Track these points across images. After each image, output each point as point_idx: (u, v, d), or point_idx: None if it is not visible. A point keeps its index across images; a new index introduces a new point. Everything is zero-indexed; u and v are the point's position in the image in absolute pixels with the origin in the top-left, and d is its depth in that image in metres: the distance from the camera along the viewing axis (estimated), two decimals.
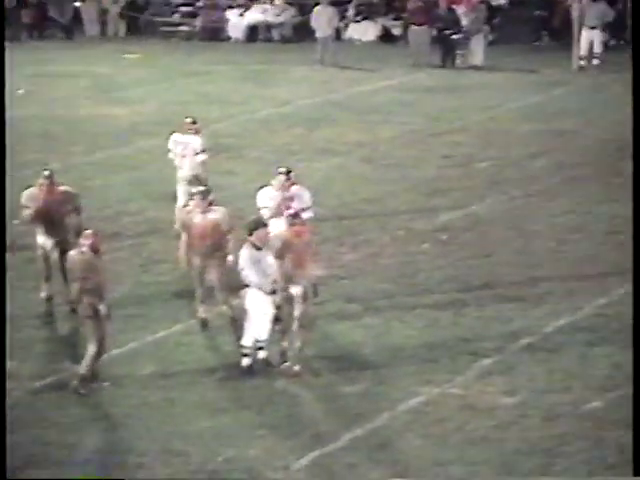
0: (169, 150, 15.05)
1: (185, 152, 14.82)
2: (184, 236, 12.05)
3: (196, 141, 14.89)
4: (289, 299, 11.12)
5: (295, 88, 23.63)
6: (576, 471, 9.26)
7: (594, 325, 11.94)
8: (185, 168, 14.82)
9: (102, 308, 10.70)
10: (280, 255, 11.07)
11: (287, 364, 11.18)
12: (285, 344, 11.19)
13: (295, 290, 11.14)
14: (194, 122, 15.05)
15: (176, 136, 15.08)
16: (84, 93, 23.24)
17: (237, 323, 11.44)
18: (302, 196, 12.77)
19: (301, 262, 11.12)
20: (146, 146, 19.22)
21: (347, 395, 10.71)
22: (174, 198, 15.08)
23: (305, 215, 12.75)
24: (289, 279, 11.14)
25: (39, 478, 8.66)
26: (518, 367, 11.09)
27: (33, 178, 12.75)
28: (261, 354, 11.10)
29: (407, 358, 11.39)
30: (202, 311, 12.16)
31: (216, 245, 11.93)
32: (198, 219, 12.02)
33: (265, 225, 11.47)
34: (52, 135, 19.95)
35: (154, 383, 11.00)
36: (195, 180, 14.47)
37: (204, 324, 12.13)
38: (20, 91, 22.95)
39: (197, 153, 14.82)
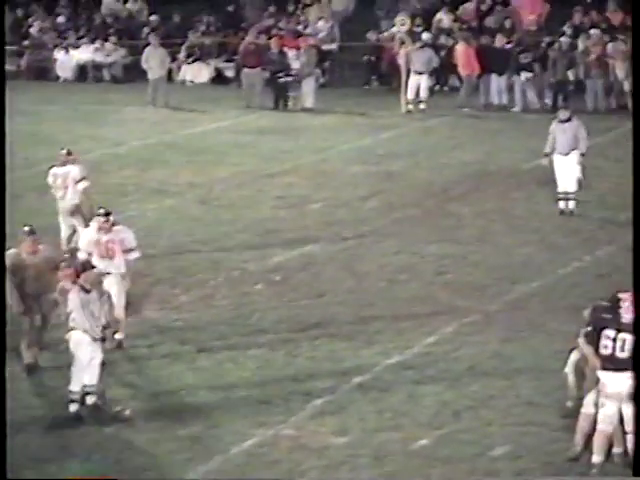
0: (50, 185, 15.33)
1: (67, 182, 15.13)
2: (12, 278, 11.79)
3: (75, 170, 15.19)
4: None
5: (127, 129, 23.40)
6: None
7: (422, 364, 12.12)
8: (67, 198, 15.11)
9: None
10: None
11: (118, 409, 10.98)
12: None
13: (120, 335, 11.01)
14: (69, 153, 15.36)
15: (54, 169, 15.36)
16: None
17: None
18: (125, 237, 12.70)
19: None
20: None
21: (180, 439, 10.58)
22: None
23: (131, 256, 12.68)
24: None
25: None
26: (350, 406, 11.16)
27: None
28: (90, 399, 10.89)
29: (241, 400, 11.34)
30: (29, 356, 11.88)
31: (47, 285, 11.75)
32: (29, 259, 11.80)
33: (93, 267, 11.32)
34: None
35: None
36: (77, 209, 14.97)
37: (30, 369, 11.83)
38: None
39: (77, 181, 15.10)
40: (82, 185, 15.17)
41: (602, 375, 9.78)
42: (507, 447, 10.21)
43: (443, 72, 26.86)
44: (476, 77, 25.30)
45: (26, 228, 12.29)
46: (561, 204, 17.37)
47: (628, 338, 9.64)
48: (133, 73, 27.92)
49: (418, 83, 25.06)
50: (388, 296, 14.15)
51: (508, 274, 14.65)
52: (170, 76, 27.52)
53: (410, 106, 24.90)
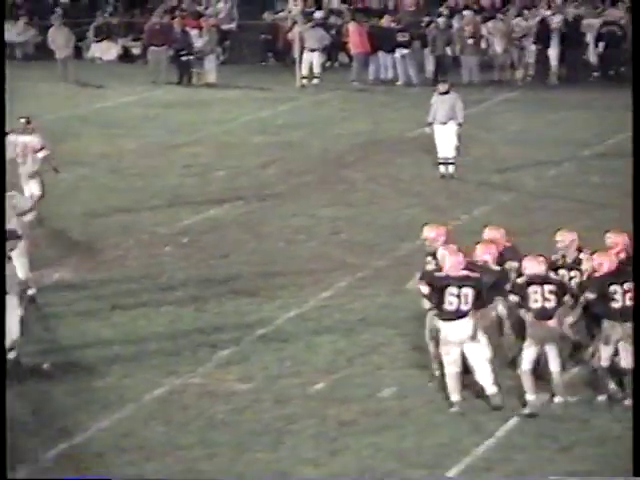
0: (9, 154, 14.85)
1: (26, 151, 14.87)
2: None
3: (34, 140, 14.94)
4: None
5: (40, 103, 22.94)
6: (305, 446, 9.42)
7: (319, 316, 12.19)
8: (27, 165, 14.92)
9: None
10: None
11: (36, 362, 10.84)
12: None
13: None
14: (29, 122, 15.06)
15: (13, 137, 14.88)
16: None
17: None
18: (21, 200, 12.62)
19: None
20: None
21: (95, 389, 10.49)
22: None
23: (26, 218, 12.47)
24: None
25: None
26: (253, 356, 11.18)
27: None
28: (11, 354, 10.73)
29: (152, 352, 11.27)
30: None
31: None
32: None
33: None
34: None
35: None
36: (34, 175, 14.87)
37: None
38: None
39: (37, 150, 14.91)
40: (42, 154, 14.96)
41: (445, 326, 9.88)
42: (394, 388, 10.35)
43: (334, 49, 26.89)
44: (366, 54, 25.37)
45: None
46: (441, 168, 17.57)
47: (470, 292, 9.83)
48: (44, 51, 27.36)
49: (311, 60, 25.06)
50: (288, 255, 14.18)
51: (396, 233, 14.79)
52: (80, 54, 27.06)
53: (304, 81, 24.89)
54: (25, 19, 28.44)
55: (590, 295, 9.88)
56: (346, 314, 12.18)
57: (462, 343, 9.88)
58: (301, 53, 24.95)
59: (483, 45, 25.38)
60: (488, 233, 10.80)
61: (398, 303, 12.22)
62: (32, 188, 14.89)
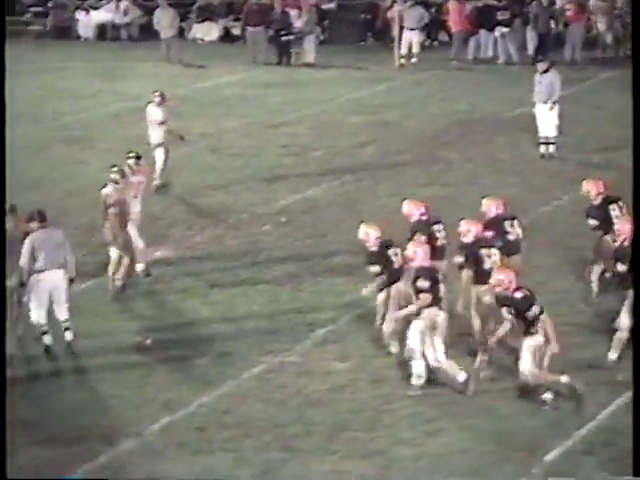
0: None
1: (152, 122, 15.87)
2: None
3: (159, 113, 15.76)
4: None
5: (143, 83, 23.22)
6: (401, 426, 9.42)
7: None
8: (152, 137, 15.83)
9: None
10: None
11: (139, 338, 11.05)
12: None
13: None
14: (162, 96, 16.00)
15: (149, 108, 15.99)
16: None
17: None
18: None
19: None
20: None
21: (196, 366, 10.65)
22: (29, 186, 14.89)
23: None
24: None
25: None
26: (350, 336, 11.21)
27: None
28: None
29: (251, 330, 11.39)
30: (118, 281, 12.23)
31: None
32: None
33: None
34: None
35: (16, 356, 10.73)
36: (159, 146, 15.75)
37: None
38: None
39: (160, 123, 15.74)
40: (164, 127, 15.70)
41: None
42: (491, 370, 10.25)
43: (433, 28, 26.66)
44: (465, 32, 25.10)
45: (116, 169, 12.40)
46: (542, 148, 17.33)
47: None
48: (148, 32, 27.70)
49: (410, 39, 24.89)
50: (385, 235, 14.12)
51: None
52: (182, 34, 27.32)
53: (403, 60, 24.73)
54: (130, 1, 28.82)
55: None
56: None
57: None
58: (400, 32, 24.78)
59: (587, 22, 24.91)
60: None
61: None
62: (157, 157, 15.73)
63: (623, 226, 10.54)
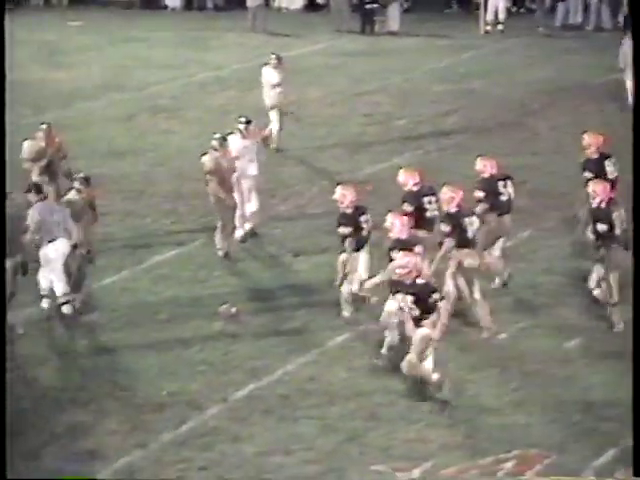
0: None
1: (267, 84, 16.23)
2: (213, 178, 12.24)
3: (275, 76, 16.23)
4: None
5: (229, 53, 23.31)
6: (487, 395, 9.31)
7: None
8: (268, 97, 16.31)
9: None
10: None
11: (225, 306, 11.11)
12: None
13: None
14: (279, 59, 16.42)
15: (265, 69, 16.42)
16: (30, 59, 22.71)
17: None
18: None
19: None
20: (89, 108, 18.89)
21: (280, 333, 10.67)
22: (115, 155, 15.01)
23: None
24: None
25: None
26: None
27: None
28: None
29: (334, 300, 11.32)
30: (224, 246, 12.34)
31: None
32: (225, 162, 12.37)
33: None
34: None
35: (101, 325, 10.88)
36: (274, 107, 16.21)
37: (225, 256, 12.30)
38: None
39: (274, 85, 16.20)
40: (278, 89, 16.00)
41: None
42: (579, 339, 10.07)
43: None
44: None
45: (217, 136, 12.48)
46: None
47: None
48: (234, 2, 27.72)
49: (496, 5, 24.50)
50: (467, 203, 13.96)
51: (581, 182, 14.36)
52: (267, 3, 27.28)
53: (488, 27, 24.37)
54: None
55: None
56: (528, 263, 11.95)
57: None
58: None
59: None
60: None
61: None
62: (272, 119, 16.08)
63: (599, 187, 10.61)
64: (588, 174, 11.83)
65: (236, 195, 12.58)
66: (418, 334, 9.15)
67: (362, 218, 10.70)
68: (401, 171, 11.43)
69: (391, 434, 8.85)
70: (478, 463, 8.45)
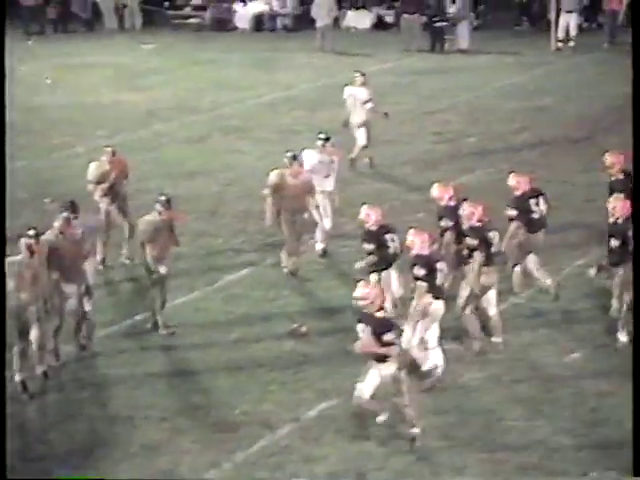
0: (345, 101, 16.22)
1: (355, 102, 16.13)
2: (273, 195, 12.29)
3: (363, 92, 16.14)
4: None
5: (298, 73, 23.48)
6: (562, 415, 9.20)
7: (574, 284, 11.89)
8: (355, 115, 16.18)
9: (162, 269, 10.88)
10: None
11: (295, 325, 11.14)
12: None
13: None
14: (363, 74, 16.33)
15: (349, 89, 16.31)
16: (105, 81, 23.11)
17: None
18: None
19: None
20: (163, 129, 19.13)
21: (350, 352, 10.66)
22: (188, 175, 15.07)
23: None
24: None
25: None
26: (507, 323, 11.01)
27: (63, 160, 12.67)
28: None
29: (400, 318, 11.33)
30: (291, 264, 12.40)
31: (303, 206, 12.37)
32: (291, 180, 12.34)
33: None
34: (77, 120, 19.85)
35: (176, 345, 10.98)
36: (362, 125, 16.16)
37: (293, 274, 12.39)
38: (48, 80, 22.87)
39: (364, 102, 16.11)
40: (368, 105, 15.98)
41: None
42: None
43: (592, 10, 25.99)
44: (623, 12, 24.40)
45: (289, 154, 12.51)
46: None
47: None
48: (303, 22, 27.94)
49: (567, 21, 24.33)
50: None
51: None
52: (336, 23, 27.45)
53: (560, 44, 24.21)
54: None
55: None
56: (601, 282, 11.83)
57: None
58: (557, 15, 24.26)
59: None
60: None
61: None
62: (359, 137, 16.12)
63: (620, 204, 10.57)
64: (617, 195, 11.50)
65: (313, 211, 12.58)
66: (375, 368, 8.95)
67: (387, 236, 10.76)
68: (435, 185, 11.43)
69: (463, 454, 8.80)
70: None
